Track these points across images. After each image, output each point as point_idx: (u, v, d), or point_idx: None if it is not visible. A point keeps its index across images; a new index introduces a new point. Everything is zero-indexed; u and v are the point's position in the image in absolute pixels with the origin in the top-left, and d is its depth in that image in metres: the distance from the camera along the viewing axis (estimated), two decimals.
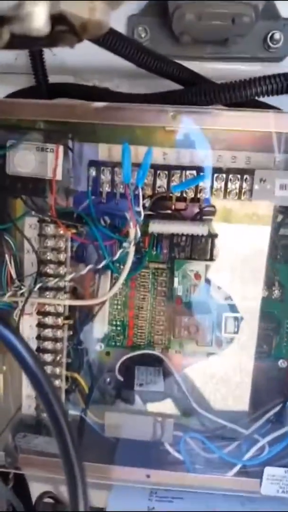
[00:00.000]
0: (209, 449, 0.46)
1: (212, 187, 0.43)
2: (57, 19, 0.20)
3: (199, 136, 0.42)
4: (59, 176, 0.42)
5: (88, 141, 0.45)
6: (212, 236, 0.46)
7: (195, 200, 0.44)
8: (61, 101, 0.42)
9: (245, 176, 0.43)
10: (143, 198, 0.42)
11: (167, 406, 0.47)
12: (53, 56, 0.49)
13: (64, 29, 0.21)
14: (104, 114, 0.40)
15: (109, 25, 0.22)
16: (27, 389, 0.50)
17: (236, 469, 0.44)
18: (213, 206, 0.45)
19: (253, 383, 0.48)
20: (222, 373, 0.48)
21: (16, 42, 0.20)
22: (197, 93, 0.40)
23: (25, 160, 0.42)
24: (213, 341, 0.45)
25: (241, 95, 0.39)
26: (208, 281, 0.46)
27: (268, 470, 0.43)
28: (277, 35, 0.47)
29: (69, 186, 0.45)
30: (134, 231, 0.41)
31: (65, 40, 0.21)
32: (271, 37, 0.47)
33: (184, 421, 0.48)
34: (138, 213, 0.41)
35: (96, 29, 0.21)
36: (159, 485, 0.44)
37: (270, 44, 0.47)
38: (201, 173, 0.42)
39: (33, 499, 0.53)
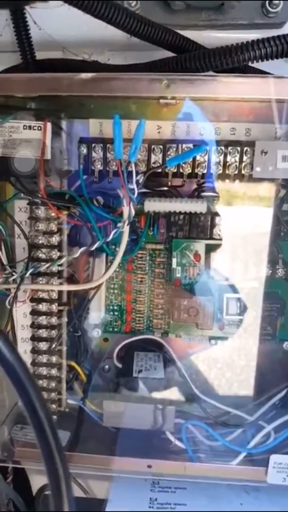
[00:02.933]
0: (212, 437, 0.44)
1: (210, 160, 0.41)
2: None
3: (195, 107, 0.40)
4: (47, 155, 0.40)
5: (77, 117, 0.43)
6: (212, 213, 0.43)
7: (193, 175, 0.42)
8: (46, 74, 0.39)
9: (245, 149, 0.40)
10: (137, 174, 0.39)
11: (168, 393, 0.45)
12: (40, 30, 0.46)
13: None
14: (92, 85, 0.37)
15: None
16: None
17: (240, 457, 0.42)
18: (212, 182, 0.43)
19: (257, 367, 0.46)
20: (225, 357, 0.46)
21: None
22: (188, 59, 0.37)
23: (12, 139, 0.40)
24: (215, 324, 0.43)
25: (236, 60, 0.36)
26: (208, 261, 0.44)
27: (274, 458, 0.41)
28: None
29: (62, 167, 0.43)
30: (127, 209, 0.39)
31: None
32: (270, 1, 0.44)
33: (185, 408, 0.46)
34: (132, 190, 0.38)
35: None
36: (161, 476, 0.42)
37: (269, 8, 0.44)
38: (198, 145, 0.40)
39: (34, 491, 0.52)
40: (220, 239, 0.44)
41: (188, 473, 0.41)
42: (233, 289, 0.44)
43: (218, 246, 0.44)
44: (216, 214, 0.44)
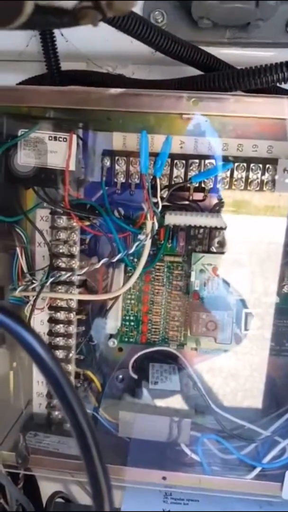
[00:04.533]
0: (226, 450, 0.44)
1: (232, 177, 0.41)
2: None
3: (219, 124, 0.41)
4: (72, 166, 0.40)
5: (101, 129, 0.44)
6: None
7: (214, 190, 0.43)
8: (75, 87, 0.40)
9: (267, 166, 0.41)
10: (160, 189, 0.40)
11: (182, 405, 0.46)
12: (66, 42, 0.47)
13: (88, 5, 0.19)
14: (120, 100, 0.38)
15: (137, 1, 0.20)
16: (37, 387, 0.48)
17: (256, 472, 0.42)
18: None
19: (273, 381, 0.46)
20: (240, 371, 0.46)
21: (37, 18, 0.19)
22: (217, 78, 0.38)
23: (37, 150, 0.40)
24: (233, 339, 0.43)
25: (263, 81, 0.37)
26: (226, 275, 0.44)
27: None
28: None
29: (80, 177, 0.44)
30: (151, 223, 0.39)
31: (88, 17, 0.19)
32: None
33: (199, 420, 0.46)
34: (156, 204, 0.39)
35: (123, 5, 0.19)
36: (175, 487, 0.42)
37: None
38: (222, 162, 0.41)
39: (44, 499, 0.52)
40: (237, 254, 0.45)
41: (203, 486, 0.42)
42: (252, 303, 0.44)
43: (236, 260, 0.44)
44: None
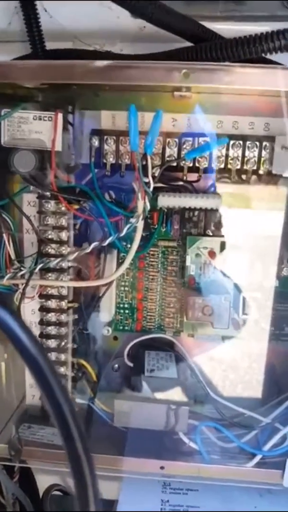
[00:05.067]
0: (225, 439, 0.43)
1: (227, 155, 0.40)
2: None
3: (213, 99, 0.39)
4: (58, 147, 0.38)
5: (89, 108, 0.42)
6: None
7: (208, 170, 0.41)
8: (59, 61, 0.38)
9: (264, 143, 0.39)
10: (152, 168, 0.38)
11: (180, 393, 0.44)
12: (50, 19, 0.45)
13: None
14: (108, 73, 0.36)
15: None
16: (30, 378, 0.47)
17: (256, 459, 0.41)
18: (228, 177, 0.42)
19: (272, 367, 0.45)
20: (238, 358, 0.45)
21: None
22: (208, 49, 0.36)
23: (21, 130, 0.38)
24: (230, 324, 0.42)
25: (257, 51, 0.35)
26: (223, 259, 0.43)
27: None
28: None
29: (70, 163, 0.42)
30: (142, 203, 0.37)
31: None
32: None
33: (197, 408, 0.45)
34: (147, 184, 0.37)
35: None
36: (174, 477, 0.41)
37: None
38: (217, 139, 0.39)
39: (41, 492, 0.51)
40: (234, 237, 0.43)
41: (202, 475, 0.40)
42: (249, 287, 0.43)
43: (234, 243, 0.43)
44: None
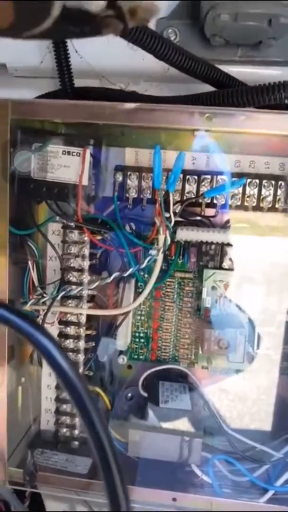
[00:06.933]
0: (237, 472, 0.43)
1: (244, 193, 0.41)
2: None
3: (231, 140, 0.41)
4: (85, 181, 0.40)
5: (114, 145, 0.44)
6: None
7: (225, 206, 0.42)
8: (89, 102, 0.40)
9: (279, 183, 0.41)
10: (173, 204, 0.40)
11: (192, 425, 0.45)
12: (79, 59, 0.47)
13: (111, 13, 0.19)
14: (134, 115, 0.38)
15: (160, 9, 0.20)
16: (46, 403, 0.47)
17: (268, 495, 0.41)
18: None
19: (284, 401, 0.45)
20: (251, 391, 0.45)
21: (57, 26, 0.19)
22: (231, 95, 0.38)
23: (50, 164, 0.41)
24: (245, 357, 0.42)
25: (276, 98, 0.37)
26: (238, 292, 0.44)
27: None
28: None
29: (90, 193, 0.44)
30: (163, 237, 0.39)
31: (111, 26, 0.19)
32: None
33: (208, 440, 0.45)
34: (168, 218, 0.39)
35: (146, 13, 0.19)
36: (185, 509, 0.41)
37: None
38: (235, 179, 0.41)
39: None
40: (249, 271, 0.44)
41: (215, 508, 0.40)
42: (264, 322, 0.43)
43: (249, 277, 0.44)
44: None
